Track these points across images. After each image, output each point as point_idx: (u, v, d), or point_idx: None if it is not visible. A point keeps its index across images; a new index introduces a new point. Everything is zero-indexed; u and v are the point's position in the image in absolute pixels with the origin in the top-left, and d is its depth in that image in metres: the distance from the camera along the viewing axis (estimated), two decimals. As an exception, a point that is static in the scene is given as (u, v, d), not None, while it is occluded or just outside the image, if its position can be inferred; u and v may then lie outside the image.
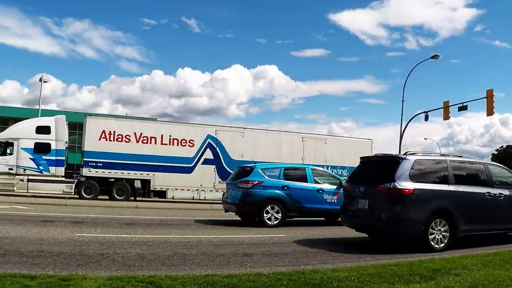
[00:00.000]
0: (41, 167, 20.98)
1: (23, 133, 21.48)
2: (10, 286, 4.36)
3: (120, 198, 21.53)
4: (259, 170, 13.11)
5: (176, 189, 23.03)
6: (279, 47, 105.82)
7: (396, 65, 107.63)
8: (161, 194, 22.99)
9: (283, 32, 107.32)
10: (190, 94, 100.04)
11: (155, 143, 22.73)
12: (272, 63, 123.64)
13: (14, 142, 20.97)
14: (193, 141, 23.37)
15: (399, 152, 26.58)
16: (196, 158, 23.23)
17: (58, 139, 21.48)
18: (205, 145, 23.59)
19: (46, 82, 36.01)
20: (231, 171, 24.53)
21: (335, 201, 13.16)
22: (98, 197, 21.67)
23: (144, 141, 22.53)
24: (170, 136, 23.07)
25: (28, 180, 20.49)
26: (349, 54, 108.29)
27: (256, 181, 12.79)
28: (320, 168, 15.86)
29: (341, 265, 6.61)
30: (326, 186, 13.42)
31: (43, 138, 21.19)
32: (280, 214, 12.69)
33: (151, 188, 22.49)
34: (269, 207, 12.58)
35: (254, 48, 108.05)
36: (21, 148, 20.93)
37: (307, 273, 5.77)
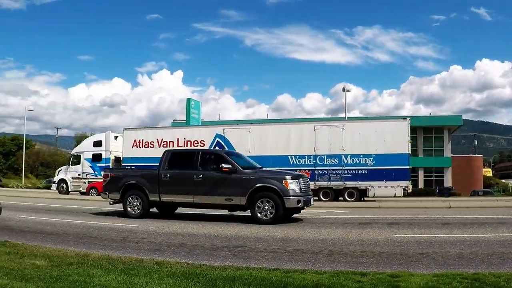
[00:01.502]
0: (96, 172, 27.96)
1: (85, 147, 28.80)
2: (345, 281, 4.84)
3: None
4: None
5: None
6: None
7: None
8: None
9: None
10: (492, 86, 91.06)
11: (173, 146, 25.16)
12: None
13: (81, 154, 28.61)
14: (204, 141, 24.71)
15: None
16: None
17: (107, 149, 27.97)
18: (214, 144, 24.52)
19: (349, 91, 37.91)
20: None
21: None
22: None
23: (164, 145, 25.28)
24: (184, 138, 25.24)
25: (88, 183, 27.79)
26: None
27: None
28: None
29: None
30: None
31: (97, 150, 28.24)
32: None
33: (169, 187, 25.49)
34: None
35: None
36: (85, 159, 28.37)
37: None
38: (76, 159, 28.90)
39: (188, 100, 32.44)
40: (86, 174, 27.97)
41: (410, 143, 21.81)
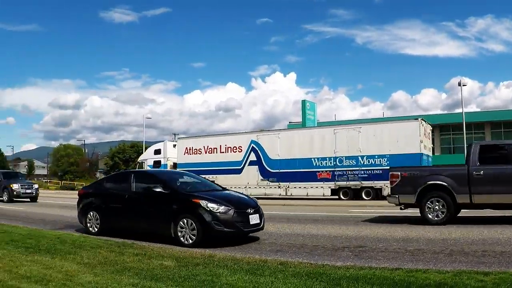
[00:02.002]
0: None
1: (148, 155, 32.26)
2: (467, 280, 4.70)
3: None
4: None
5: (232, 187, 27.90)
6: None
7: None
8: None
9: None
10: None
11: (216, 152, 27.64)
12: None
13: (144, 161, 32.34)
14: (241, 147, 26.68)
15: None
16: (244, 161, 26.38)
17: (165, 157, 30.53)
18: (249, 149, 26.34)
19: (465, 85, 35.64)
20: (271, 170, 26.77)
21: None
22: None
23: (209, 152, 27.92)
24: (226, 145, 27.32)
25: None
26: None
27: None
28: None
29: None
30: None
31: (157, 157, 30.86)
32: None
33: (214, 188, 28.41)
34: None
35: None
36: (147, 165, 31.81)
37: None
38: (141, 166, 31.15)
39: (304, 102, 31.32)
40: (149, 178, 32.71)
41: (422, 143, 21.77)
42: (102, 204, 9.43)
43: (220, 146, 27.98)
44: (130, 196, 8.88)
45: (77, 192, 12.11)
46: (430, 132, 24.58)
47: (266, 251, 7.38)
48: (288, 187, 24.90)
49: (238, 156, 27.04)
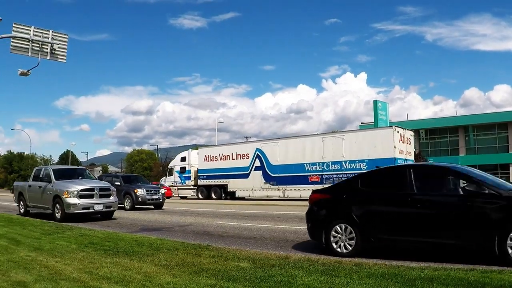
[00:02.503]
0: (182, 181, 34.49)
1: (176, 162, 35.84)
2: None
3: (215, 198, 29.36)
4: None
5: (241, 190, 28.30)
6: None
7: None
8: (232, 194, 29.15)
9: None
10: None
11: (229, 159, 29.65)
12: None
13: (173, 168, 36.77)
14: (248, 154, 28.66)
15: None
16: (250, 167, 28.35)
17: (189, 163, 33.62)
18: (255, 156, 28.24)
19: None
20: (272, 174, 30.18)
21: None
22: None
23: (223, 159, 29.91)
24: (236, 153, 29.25)
25: (178, 189, 34.29)
26: None
27: None
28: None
29: None
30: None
31: (183, 164, 33.89)
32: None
33: (228, 191, 28.83)
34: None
35: None
36: (175, 171, 35.51)
37: None
38: (171, 172, 33.55)
39: (375, 102, 30.45)
40: (176, 183, 32.40)
41: (396, 148, 23.67)
42: (360, 212, 6.62)
43: (232, 153, 30.11)
44: (414, 199, 6.24)
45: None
46: (411, 137, 25.50)
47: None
48: (286, 189, 26.33)
49: (246, 162, 29.16)
